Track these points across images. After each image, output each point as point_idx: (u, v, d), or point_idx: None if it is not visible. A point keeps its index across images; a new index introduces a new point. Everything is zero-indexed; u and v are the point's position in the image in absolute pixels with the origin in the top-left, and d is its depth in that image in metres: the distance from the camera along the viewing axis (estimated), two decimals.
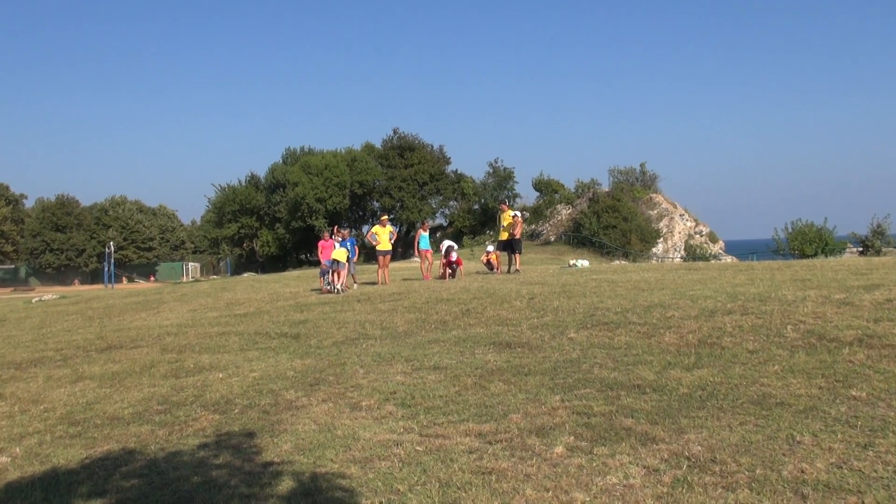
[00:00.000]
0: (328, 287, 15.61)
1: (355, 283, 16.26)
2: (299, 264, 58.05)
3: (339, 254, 15.95)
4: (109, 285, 46.61)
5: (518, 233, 17.03)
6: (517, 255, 17.05)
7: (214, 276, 49.18)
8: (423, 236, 17.77)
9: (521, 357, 6.81)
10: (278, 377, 6.98)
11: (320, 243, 17.09)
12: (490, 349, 7.34)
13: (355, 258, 17.03)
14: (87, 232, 68.20)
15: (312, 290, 16.17)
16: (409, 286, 15.14)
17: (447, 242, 17.76)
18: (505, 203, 18.32)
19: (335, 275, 16.81)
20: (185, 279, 52.28)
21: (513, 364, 6.51)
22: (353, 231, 66.88)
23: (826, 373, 5.40)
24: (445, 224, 59.32)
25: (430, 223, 59.71)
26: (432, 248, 18.08)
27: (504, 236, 17.26)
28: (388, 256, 17.23)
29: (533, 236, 50.23)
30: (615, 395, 5.27)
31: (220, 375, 7.34)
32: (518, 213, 17.42)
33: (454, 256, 16.99)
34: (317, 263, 17.61)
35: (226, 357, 8.57)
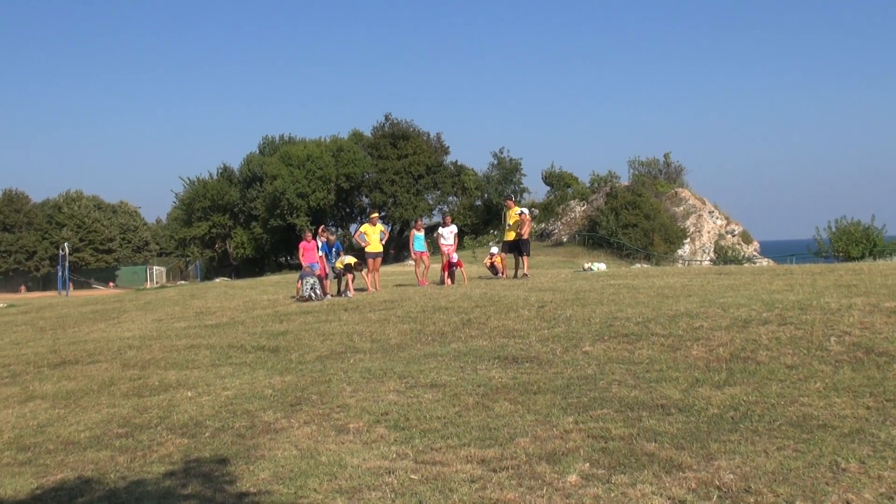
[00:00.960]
0: (308, 294, 15.60)
1: (349, 292, 16.22)
2: (278, 268, 58.02)
3: (348, 259, 16.50)
4: (63, 292, 46.57)
5: (526, 232, 17.04)
6: (525, 258, 17.07)
7: (182, 282, 49.16)
8: (418, 236, 17.79)
9: (529, 373, 6.81)
10: (255, 396, 6.97)
11: (302, 245, 17.09)
12: (494, 364, 7.34)
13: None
14: (38, 232, 68.21)
15: (293, 297, 16.19)
16: (402, 293, 15.14)
17: (448, 229, 17.80)
18: (511, 199, 18.38)
19: (323, 281, 16.81)
20: (148, 285, 52.28)
21: (520, 381, 6.51)
22: (339, 231, 67.09)
23: (875, 391, 5.41)
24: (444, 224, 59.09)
25: (425, 221, 59.89)
26: (427, 249, 18.08)
27: (510, 236, 17.28)
28: (379, 259, 17.24)
29: (543, 236, 50.28)
30: (636, 416, 5.27)
31: (189, 394, 7.33)
32: (526, 211, 17.44)
33: (455, 258, 17.01)
34: (298, 267, 17.63)
35: (195, 373, 8.56)
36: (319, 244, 17.52)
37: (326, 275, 16.76)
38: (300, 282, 15.97)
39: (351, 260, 16.28)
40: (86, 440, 6.04)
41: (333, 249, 17.13)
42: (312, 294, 15.60)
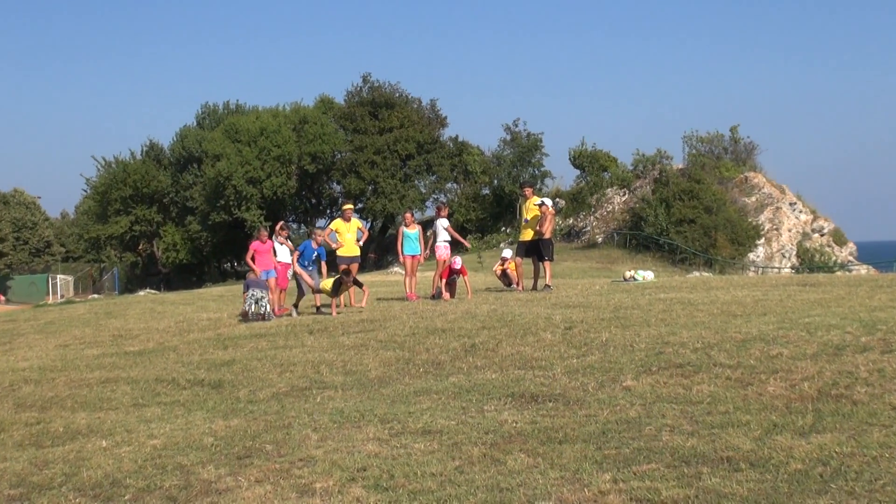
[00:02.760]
0: (250, 309, 15.54)
1: (334, 309, 15.79)
2: (222, 277, 58.16)
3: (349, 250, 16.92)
4: None
5: (548, 230, 17.05)
6: (546, 264, 17.08)
7: (95, 296, 49.11)
8: (409, 235, 17.79)
9: (552, 416, 6.80)
10: (191, 446, 6.96)
11: (254, 245, 17.09)
12: (507, 404, 7.33)
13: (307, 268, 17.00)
14: None
15: (239, 317, 16.18)
16: (386, 310, 15.13)
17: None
18: (529, 186, 18.37)
19: (276, 293, 16.78)
20: (51, 299, 52.22)
21: (541, 426, 6.50)
22: (303, 229, 67.14)
23: None
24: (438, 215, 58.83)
25: (415, 216, 59.87)
26: (421, 252, 18.07)
27: (527, 235, 17.29)
28: (356, 265, 17.24)
29: (571, 235, 50.37)
30: (693, 472, 5.26)
31: (104, 444, 7.31)
32: (548, 202, 17.44)
33: (458, 263, 17.03)
34: (246, 275, 17.52)
35: (112, 416, 8.53)
36: (278, 246, 17.52)
37: (294, 287, 16.78)
38: (246, 293, 15.98)
39: (329, 282, 16.27)
40: None
41: (315, 255, 17.11)
42: (255, 309, 15.55)
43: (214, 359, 11.49)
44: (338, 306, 15.95)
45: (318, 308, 16.74)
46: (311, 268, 16.84)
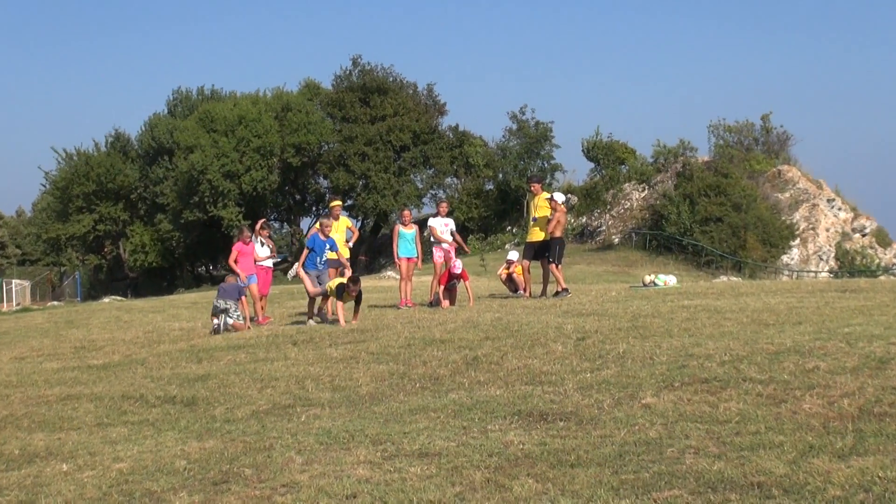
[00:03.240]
0: (219, 327, 15.48)
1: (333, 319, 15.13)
2: (196, 283, 58.13)
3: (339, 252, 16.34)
4: None
5: (558, 229, 17.06)
6: (557, 267, 17.09)
7: (55, 303, 49.13)
8: (405, 235, 17.79)
9: (564, 437, 6.80)
10: (161, 470, 6.96)
11: (238, 247, 17.04)
12: (513, 423, 7.33)
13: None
14: None
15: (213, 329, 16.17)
16: (378, 318, 15.12)
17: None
18: (537, 182, 18.38)
19: (252, 302, 16.75)
20: (5, 307, 52.22)
21: (550, 448, 6.50)
22: (286, 228, 67.14)
23: None
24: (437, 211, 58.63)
25: (413, 214, 59.81)
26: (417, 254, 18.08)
27: (536, 235, 17.29)
28: (345, 269, 17.24)
29: (584, 235, 50.41)
30: (721, 499, 5.26)
31: (65, 468, 7.31)
32: (559, 197, 17.44)
33: (458, 267, 17.04)
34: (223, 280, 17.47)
35: (73, 437, 8.53)
36: (258, 247, 17.50)
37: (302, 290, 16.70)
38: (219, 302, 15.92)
39: (341, 280, 15.41)
40: None
41: (328, 249, 16.47)
42: (220, 321, 15.52)
43: (187, 373, 11.48)
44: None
45: (319, 311, 16.13)
46: (323, 267, 16.25)
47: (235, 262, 16.89)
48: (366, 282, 33.18)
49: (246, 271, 16.80)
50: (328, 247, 16.38)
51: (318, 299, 16.17)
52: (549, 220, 16.95)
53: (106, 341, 16.07)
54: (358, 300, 15.25)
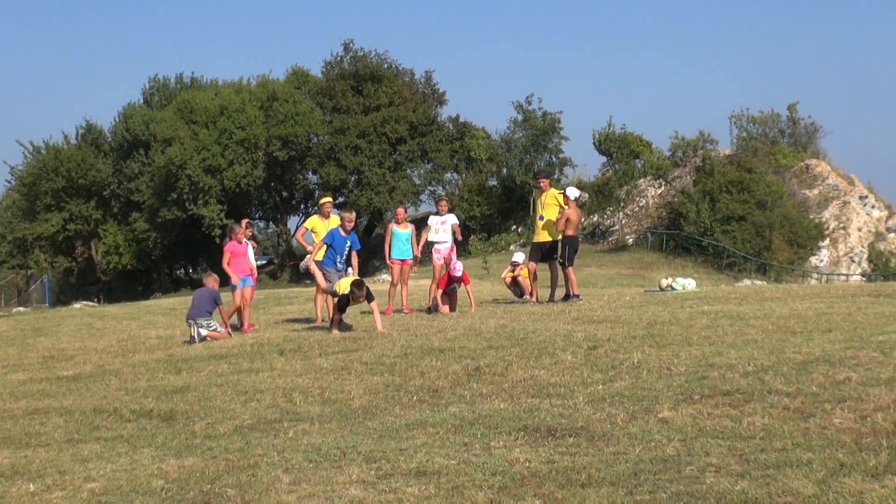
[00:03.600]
0: (197, 337, 15.45)
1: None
2: (175, 287, 58.11)
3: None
4: None
5: (571, 228, 17.08)
6: (568, 270, 17.09)
7: (21, 309, 49.02)
8: (399, 235, 17.79)
9: (574, 454, 6.80)
10: (136, 491, 6.95)
11: (230, 247, 16.94)
12: (518, 439, 7.33)
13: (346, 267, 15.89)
14: None
15: (186, 340, 16.15)
16: (371, 325, 15.11)
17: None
18: (545, 177, 18.36)
19: (244, 311, 16.74)
20: None
21: (559, 467, 6.50)
22: (272, 228, 66.97)
23: None
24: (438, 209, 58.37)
25: (410, 212, 59.78)
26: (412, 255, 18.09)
27: (543, 236, 17.30)
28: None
29: (596, 235, 50.45)
30: None
31: (32, 488, 7.30)
32: (573, 192, 17.43)
33: (458, 270, 17.04)
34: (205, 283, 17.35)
35: (42, 454, 8.52)
36: (247, 242, 17.35)
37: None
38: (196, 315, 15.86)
39: (348, 281, 14.72)
40: None
41: (348, 248, 15.84)
42: (194, 332, 15.52)
43: (165, 385, 11.47)
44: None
45: (332, 321, 14.98)
46: (342, 268, 15.72)
47: (228, 264, 16.70)
48: None
49: (240, 273, 16.71)
50: (349, 244, 15.78)
51: (330, 305, 16.10)
52: (562, 217, 16.92)
53: (76, 350, 16.05)
54: (369, 300, 14.66)
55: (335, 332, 14.41)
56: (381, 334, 13.73)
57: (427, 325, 14.21)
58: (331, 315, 15.24)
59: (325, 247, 15.71)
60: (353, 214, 16.46)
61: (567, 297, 16.97)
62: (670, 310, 14.02)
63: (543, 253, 17.34)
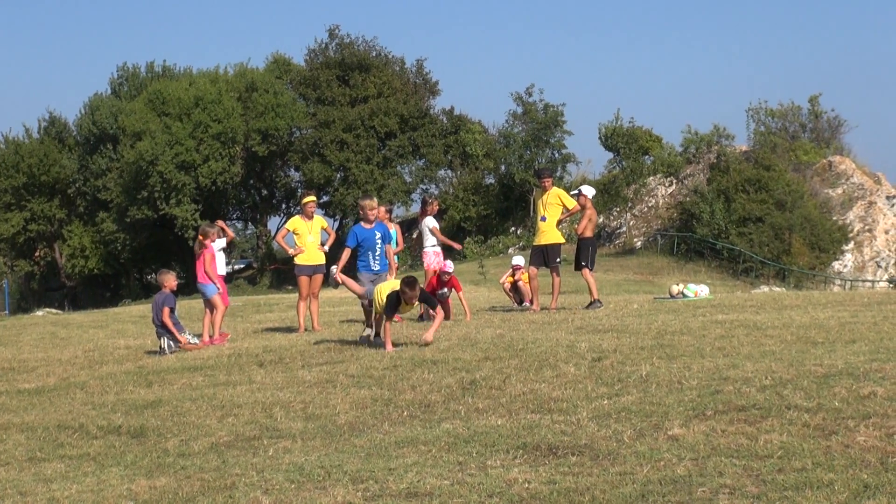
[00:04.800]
0: (167, 348, 15.43)
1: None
2: (145, 292, 58.00)
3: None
4: None
5: (589, 228, 17.21)
6: (586, 272, 17.19)
7: None
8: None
9: (577, 473, 6.81)
10: None
11: (206, 251, 16.91)
12: (517, 458, 7.34)
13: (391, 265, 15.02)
14: None
15: (157, 350, 16.14)
16: (358, 335, 15.11)
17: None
18: (548, 176, 18.34)
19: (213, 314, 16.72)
20: None
21: (561, 487, 6.52)
22: (251, 229, 66.89)
23: None
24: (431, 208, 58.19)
25: (398, 213, 59.81)
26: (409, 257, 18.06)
27: (543, 238, 17.33)
28: (319, 277, 17.24)
29: (601, 238, 50.45)
30: None
31: None
32: (589, 191, 17.54)
33: (449, 267, 17.09)
34: (184, 290, 17.35)
35: (1, 474, 8.51)
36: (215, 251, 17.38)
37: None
38: (166, 327, 15.80)
39: (388, 286, 13.42)
40: None
41: (380, 241, 14.57)
42: (163, 344, 15.52)
43: (135, 399, 11.45)
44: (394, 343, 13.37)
45: (369, 337, 14.00)
46: (381, 269, 14.49)
47: (206, 269, 16.58)
48: (343, 291, 33.22)
49: (216, 279, 16.66)
50: (379, 237, 14.43)
51: (314, 312, 16.03)
52: (572, 217, 17.11)
53: (39, 362, 16.02)
54: (430, 305, 13.76)
55: (389, 346, 12.86)
56: (425, 342, 12.79)
57: (418, 335, 14.21)
58: (371, 324, 13.98)
59: (350, 251, 14.40)
60: (374, 201, 14.93)
61: (591, 304, 17.12)
62: (681, 318, 14.04)
63: (545, 256, 17.38)
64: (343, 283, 14.26)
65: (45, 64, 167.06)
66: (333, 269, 14.32)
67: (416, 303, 13.23)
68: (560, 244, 17.32)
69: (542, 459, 7.25)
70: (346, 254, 14.39)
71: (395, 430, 8.73)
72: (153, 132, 52.74)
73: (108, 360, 15.46)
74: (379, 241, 14.38)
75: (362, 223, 14.40)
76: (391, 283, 13.34)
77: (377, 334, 13.61)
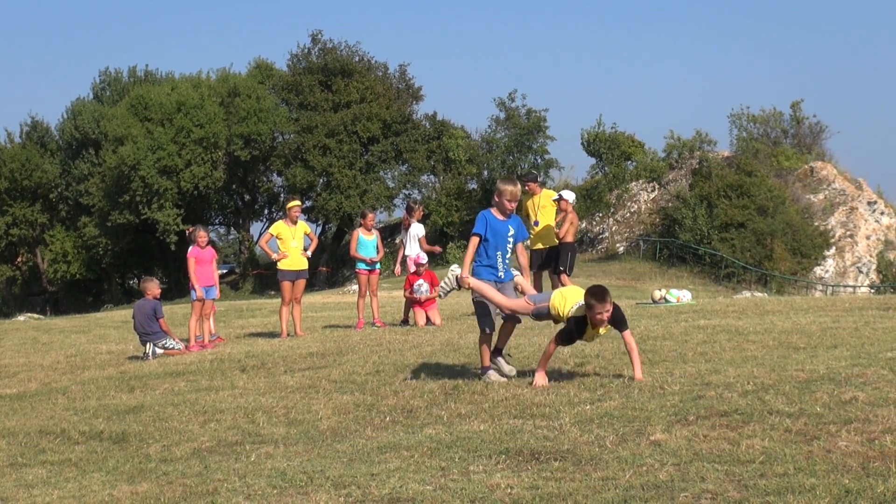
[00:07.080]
0: (149, 353, 15.39)
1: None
2: (127, 297, 57.83)
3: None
4: None
5: (571, 234, 17.20)
6: (563, 277, 17.14)
7: None
8: (365, 243, 17.75)
9: (559, 479, 6.82)
10: None
11: (193, 253, 16.81)
12: (500, 463, 7.34)
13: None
14: None
15: (141, 355, 16.10)
16: (341, 340, 15.11)
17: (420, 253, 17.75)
18: (534, 181, 18.30)
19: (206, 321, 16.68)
20: None
21: (543, 493, 6.52)
22: (233, 235, 66.71)
23: None
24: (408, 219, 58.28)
25: (381, 217, 59.80)
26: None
27: (540, 243, 17.36)
28: (302, 282, 17.23)
29: (584, 243, 50.54)
30: None
31: None
32: (569, 196, 17.53)
33: (423, 258, 17.20)
34: (169, 294, 17.28)
35: None
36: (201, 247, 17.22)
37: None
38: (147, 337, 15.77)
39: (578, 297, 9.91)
40: None
41: (512, 240, 10.61)
42: (147, 350, 15.48)
43: (117, 404, 11.42)
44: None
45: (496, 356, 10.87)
46: (507, 276, 10.58)
47: (193, 270, 16.53)
48: (327, 296, 33.19)
49: (204, 282, 16.61)
50: (511, 233, 10.60)
51: (297, 317, 15.95)
52: (558, 224, 17.15)
53: (20, 367, 15.97)
54: (618, 328, 9.92)
55: (541, 378, 10.00)
56: (638, 382, 9.54)
57: (401, 340, 14.21)
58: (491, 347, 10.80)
59: (477, 241, 10.52)
60: (518, 188, 10.66)
61: None
62: (664, 324, 14.07)
63: (542, 261, 17.41)
64: (476, 289, 10.48)
65: (28, 68, 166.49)
66: (455, 267, 11.01)
67: (607, 319, 9.69)
68: (556, 246, 17.33)
69: (525, 465, 7.25)
70: (473, 244, 10.51)
71: (378, 436, 8.73)
72: (135, 137, 52.62)
73: (90, 365, 15.41)
74: (511, 240, 10.56)
75: (493, 211, 10.57)
76: (575, 292, 10.14)
77: (493, 360, 10.71)
